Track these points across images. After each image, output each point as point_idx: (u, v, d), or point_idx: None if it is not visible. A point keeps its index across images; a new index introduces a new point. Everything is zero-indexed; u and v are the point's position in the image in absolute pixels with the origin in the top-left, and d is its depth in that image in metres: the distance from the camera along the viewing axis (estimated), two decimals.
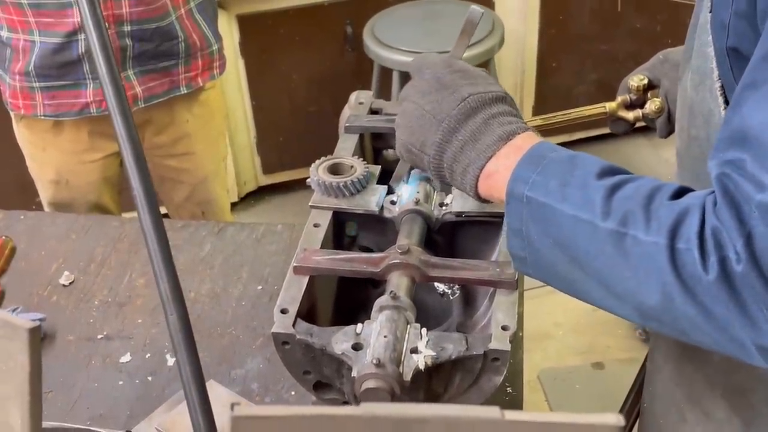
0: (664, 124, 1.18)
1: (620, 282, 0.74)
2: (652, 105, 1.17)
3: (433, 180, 0.92)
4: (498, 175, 0.82)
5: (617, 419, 0.35)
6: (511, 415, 0.34)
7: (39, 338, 0.48)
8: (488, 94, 0.86)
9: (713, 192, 0.71)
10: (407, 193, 1.06)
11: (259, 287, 1.35)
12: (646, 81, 1.18)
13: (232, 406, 0.33)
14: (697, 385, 1.00)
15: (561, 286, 0.82)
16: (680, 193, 0.74)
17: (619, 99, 1.21)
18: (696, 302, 0.69)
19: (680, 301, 0.70)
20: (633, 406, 1.48)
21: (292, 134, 3.02)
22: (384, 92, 2.61)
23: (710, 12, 0.81)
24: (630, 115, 1.20)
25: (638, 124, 1.23)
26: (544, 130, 1.09)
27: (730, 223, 0.67)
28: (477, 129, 0.84)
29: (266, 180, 3.13)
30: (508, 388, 1.18)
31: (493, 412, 0.34)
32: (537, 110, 3.21)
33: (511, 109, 0.87)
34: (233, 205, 2.93)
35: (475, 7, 0.97)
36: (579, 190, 0.75)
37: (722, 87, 0.81)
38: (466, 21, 0.97)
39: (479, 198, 0.87)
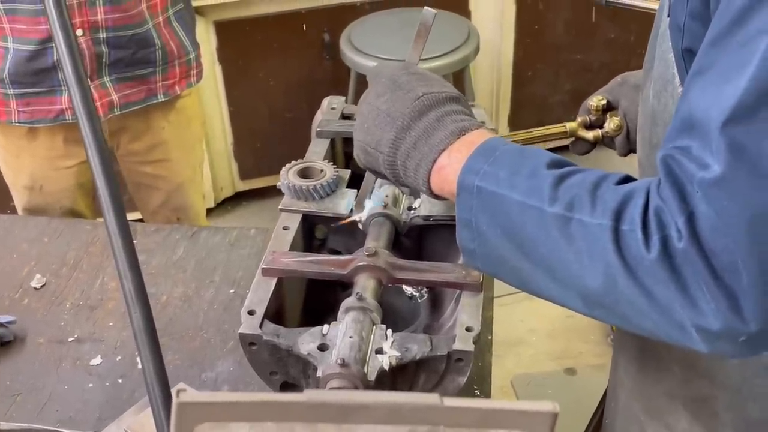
0: (623, 143, 1.20)
1: (565, 267, 0.74)
2: (611, 123, 1.20)
3: (389, 179, 0.93)
4: (450, 168, 0.83)
5: (553, 406, 0.36)
6: (450, 401, 0.35)
7: None
8: (442, 94, 0.88)
9: (659, 178, 0.72)
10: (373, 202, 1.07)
11: (232, 291, 1.36)
12: (605, 101, 1.21)
13: (177, 392, 0.34)
14: (657, 397, 1.00)
15: (508, 277, 0.83)
16: (627, 180, 0.75)
17: (579, 119, 1.23)
18: (638, 283, 0.70)
19: (622, 282, 0.70)
20: (601, 418, 1.50)
21: (269, 140, 3.03)
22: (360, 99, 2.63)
23: (668, 16, 0.83)
24: (590, 134, 1.22)
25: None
26: None
27: (673, 202, 0.68)
28: (430, 125, 0.86)
29: (243, 186, 3.14)
30: (476, 391, 1.19)
31: (432, 398, 0.35)
32: (513, 119, 3.24)
33: (464, 109, 0.89)
34: (210, 210, 2.93)
35: (429, 9, 0.98)
36: (528, 179, 0.77)
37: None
38: (419, 23, 0.98)
39: (432, 193, 0.87)
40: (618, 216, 0.71)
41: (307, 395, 0.34)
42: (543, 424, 0.35)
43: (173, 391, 0.75)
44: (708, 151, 0.67)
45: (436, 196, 0.88)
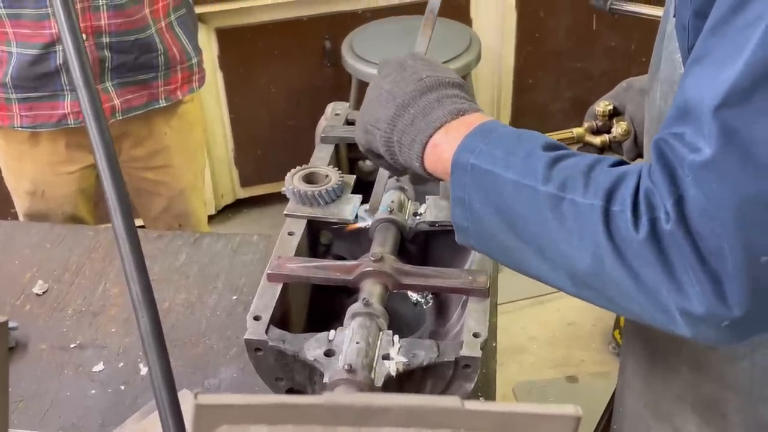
0: (630, 147, 1.20)
1: (555, 246, 0.74)
2: (618, 128, 1.20)
3: (385, 159, 0.93)
4: (446, 145, 0.83)
5: (575, 410, 0.36)
6: (471, 404, 0.35)
7: (6, 332, 0.49)
8: (445, 78, 0.89)
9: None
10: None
11: (234, 297, 1.35)
12: (611, 107, 1.21)
13: (196, 394, 0.33)
14: (666, 400, 1.00)
15: (500, 256, 0.83)
16: (621, 164, 0.75)
17: (586, 125, 1.23)
18: (625, 265, 0.70)
19: (610, 263, 0.70)
20: (607, 424, 1.49)
21: (270, 147, 3.02)
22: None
23: (674, 16, 0.83)
24: (597, 140, 1.22)
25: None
26: None
27: (663, 184, 0.68)
28: (429, 104, 0.86)
29: (244, 193, 3.14)
30: (480, 398, 1.18)
31: (453, 401, 0.34)
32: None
33: (466, 95, 0.89)
34: (210, 217, 2.93)
35: None
36: (523, 159, 0.77)
37: None
38: (426, 11, 0.98)
39: (424, 171, 0.87)
40: (609, 197, 0.71)
41: (326, 398, 0.34)
42: (565, 428, 0.35)
43: (180, 395, 0.74)
44: (700, 136, 0.67)
45: (429, 174, 0.88)
